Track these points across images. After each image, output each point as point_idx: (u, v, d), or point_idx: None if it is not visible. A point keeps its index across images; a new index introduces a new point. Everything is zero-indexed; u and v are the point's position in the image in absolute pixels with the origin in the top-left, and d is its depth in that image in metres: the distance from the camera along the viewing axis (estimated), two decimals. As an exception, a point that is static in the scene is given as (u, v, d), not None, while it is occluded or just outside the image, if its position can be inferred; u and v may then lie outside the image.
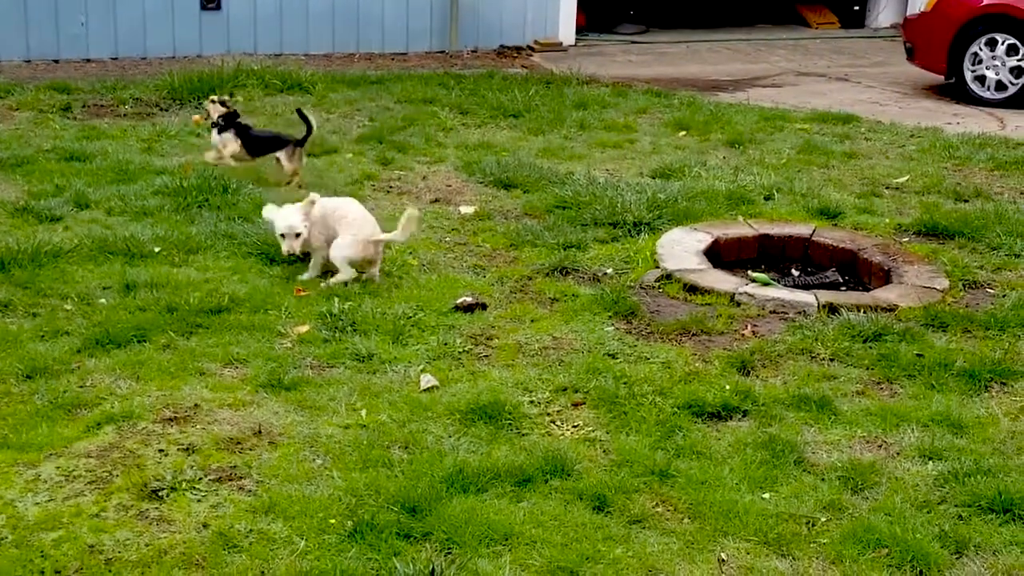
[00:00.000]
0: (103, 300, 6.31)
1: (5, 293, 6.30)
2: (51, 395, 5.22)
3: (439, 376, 5.63)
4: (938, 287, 6.91)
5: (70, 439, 4.85)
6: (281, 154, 8.70)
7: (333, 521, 4.27)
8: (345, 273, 6.75)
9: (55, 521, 4.25)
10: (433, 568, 3.90)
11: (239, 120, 8.86)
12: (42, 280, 6.50)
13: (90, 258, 6.90)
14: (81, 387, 5.34)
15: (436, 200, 8.63)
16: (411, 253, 7.39)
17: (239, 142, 8.76)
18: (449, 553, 4.12)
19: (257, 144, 8.83)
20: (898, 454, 4.95)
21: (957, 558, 4.19)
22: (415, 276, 6.99)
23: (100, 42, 13.22)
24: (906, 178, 9.32)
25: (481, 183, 9.05)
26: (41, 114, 10.56)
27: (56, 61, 13.02)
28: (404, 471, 4.66)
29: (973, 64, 12.71)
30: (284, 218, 6.74)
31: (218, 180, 8.43)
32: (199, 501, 4.43)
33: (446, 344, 6.02)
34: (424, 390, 5.49)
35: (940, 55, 12.92)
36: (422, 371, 5.68)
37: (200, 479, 4.57)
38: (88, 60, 13.15)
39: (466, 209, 8.39)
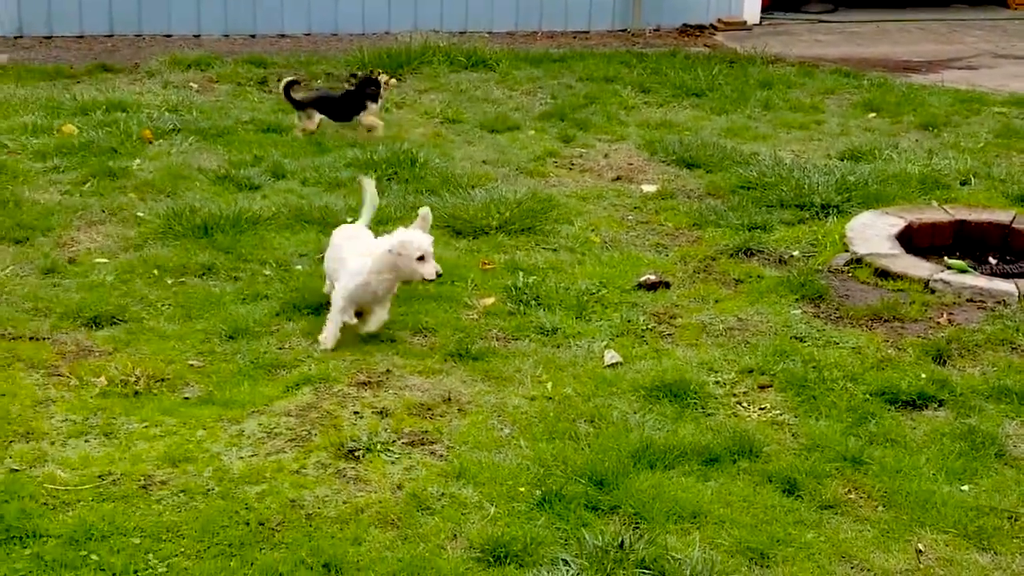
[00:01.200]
0: (299, 266, 6.53)
1: (209, 257, 6.57)
2: (252, 355, 5.44)
3: (622, 353, 5.63)
4: None
5: (271, 398, 5.05)
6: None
7: (522, 489, 4.33)
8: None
9: (258, 475, 4.43)
10: (623, 541, 3.91)
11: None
12: (243, 245, 6.76)
13: (287, 226, 7.14)
14: (280, 349, 5.55)
15: (618, 178, 8.61)
16: (593, 230, 7.40)
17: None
18: (637, 527, 4.13)
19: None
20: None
21: None
22: (597, 253, 6.99)
23: (294, 18, 13.59)
24: (1112, 166, 8.85)
25: (663, 162, 8.99)
26: (239, 87, 10.93)
27: (253, 36, 13.45)
28: (590, 444, 4.69)
29: None
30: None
31: (407, 153, 8.60)
32: (393, 463, 4.55)
33: (629, 321, 6.01)
34: (608, 366, 5.51)
35: None
36: (606, 347, 5.69)
37: (394, 442, 4.70)
38: (282, 35, 13.53)
39: (648, 187, 8.35)
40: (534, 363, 5.50)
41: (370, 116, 9.17)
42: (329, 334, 5.60)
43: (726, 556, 3.97)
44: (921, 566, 3.95)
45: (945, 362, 5.59)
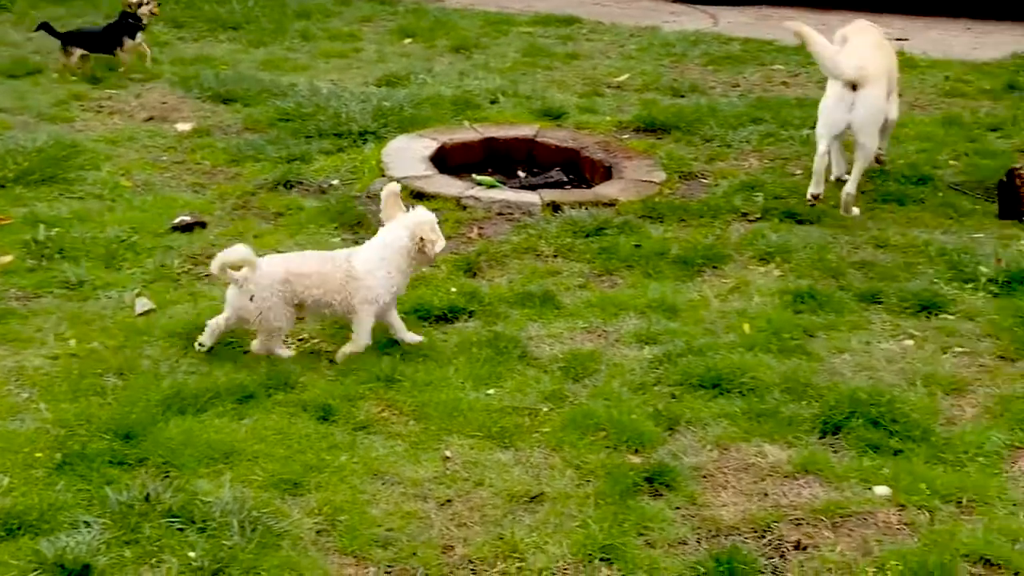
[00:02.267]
0: None
1: None
2: None
3: (156, 299, 5.42)
4: (656, 180, 7.14)
5: None
6: None
7: (40, 455, 4.05)
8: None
9: None
10: (148, 493, 3.75)
11: None
12: None
13: None
14: None
15: (151, 118, 8.25)
16: (124, 175, 7.04)
17: None
18: (167, 476, 3.98)
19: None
20: (617, 341, 5.10)
21: (670, 434, 4.36)
22: (129, 198, 6.67)
23: None
24: (626, 76, 9.53)
25: (199, 99, 8.70)
26: None
27: None
28: (118, 398, 4.46)
29: (687, -36, 13.07)
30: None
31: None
32: None
33: (163, 266, 5.79)
34: (140, 314, 5.27)
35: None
36: (137, 295, 5.44)
37: None
38: None
39: (183, 126, 8.06)
40: (58, 320, 5.17)
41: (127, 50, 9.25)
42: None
43: (259, 491, 3.91)
44: (448, 471, 4.08)
45: (476, 274, 5.80)
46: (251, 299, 4.78)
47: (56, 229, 6.05)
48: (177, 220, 6.31)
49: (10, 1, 11.25)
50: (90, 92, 8.80)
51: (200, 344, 4.88)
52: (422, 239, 4.85)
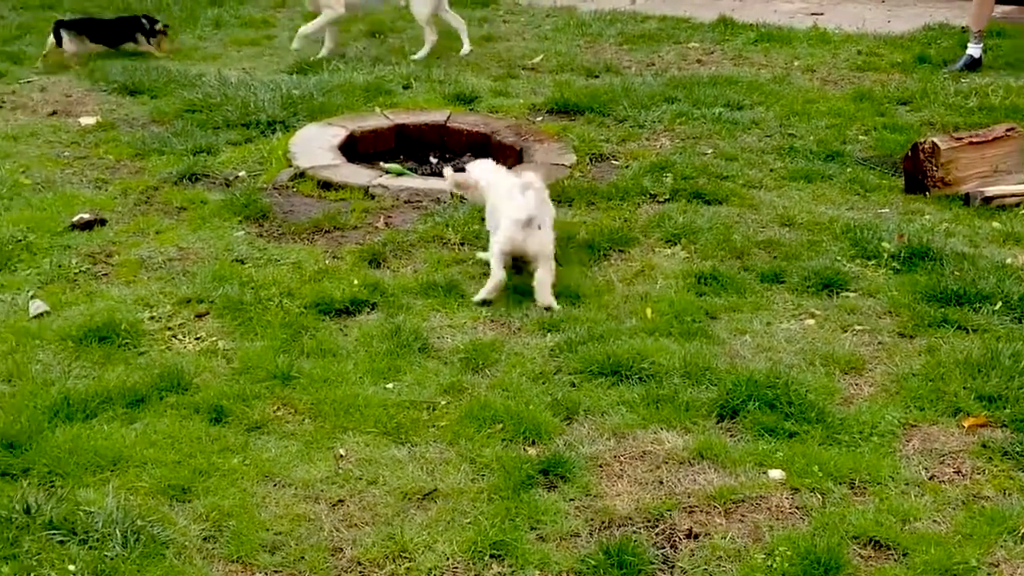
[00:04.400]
0: None
1: None
2: None
3: (51, 300, 5.29)
4: (566, 163, 7.11)
5: None
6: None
7: (-85, 470, 3.93)
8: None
9: None
10: (28, 505, 3.66)
11: None
12: None
13: None
14: None
15: (54, 112, 8.08)
16: (24, 172, 6.88)
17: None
18: (52, 486, 3.89)
19: None
20: (519, 330, 5.06)
21: (568, 424, 4.33)
22: (28, 196, 6.52)
23: None
24: (540, 57, 9.49)
25: (105, 91, 8.54)
26: None
27: None
28: (3, 406, 4.34)
29: (605, -57, 13.02)
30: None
31: None
32: None
33: (60, 266, 5.66)
34: (33, 317, 5.14)
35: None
36: (31, 297, 5.31)
37: None
38: None
39: (87, 120, 7.89)
40: (-54, 325, 5.02)
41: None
42: None
43: (146, 499, 3.83)
44: (341, 470, 4.02)
45: (380, 265, 5.73)
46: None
47: (-53, 232, 5.90)
48: (76, 218, 6.17)
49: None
50: (-8, 87, 8.61)
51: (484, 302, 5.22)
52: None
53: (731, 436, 4.26)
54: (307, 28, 9.15)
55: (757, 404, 4.37)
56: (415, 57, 9.37)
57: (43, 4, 11.02)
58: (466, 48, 9.48)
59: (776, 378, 4.50)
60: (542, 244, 5.24)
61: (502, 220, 5.27)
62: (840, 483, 3.95)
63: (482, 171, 5.72)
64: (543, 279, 5.24)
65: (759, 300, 5.32)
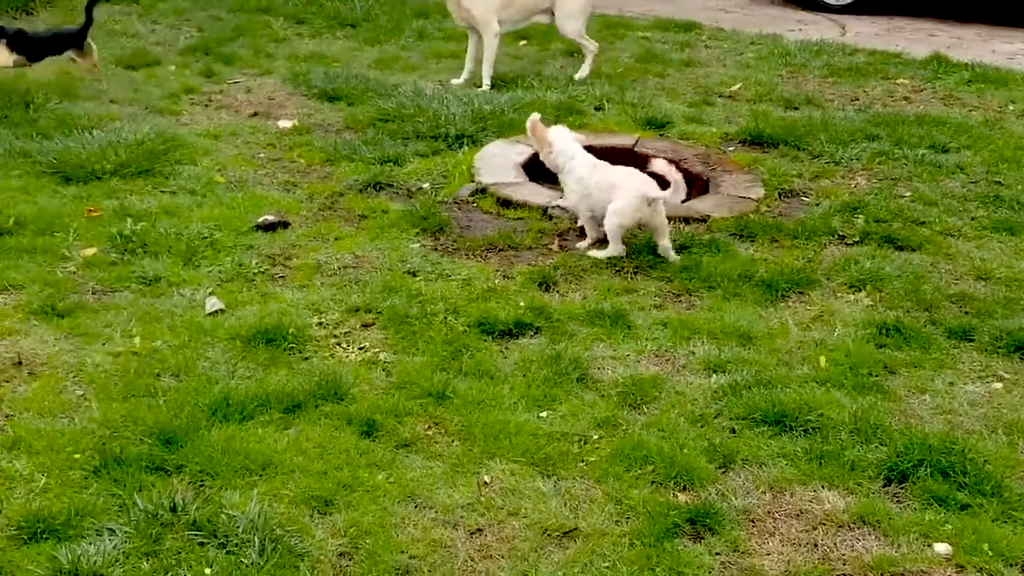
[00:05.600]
0: None
1: None
2: None
3: (228, 299, 5.41)
4: (753, 196, 6.88)
5: None
6: (71, 52, 8.34)
7: (79, 456, 4.05)
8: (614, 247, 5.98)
9: None
10: (174, 503, 3.72)
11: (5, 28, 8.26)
12: None
13: None
14: None
15: (255, 114, 8.31)
16: (220, 170, 7.10)
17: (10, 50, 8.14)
18: (202, 486, 3.95)
19: (36, 47, 8.29)
20: (683, 367, 4.90)
21: (723, 472, 4.15)
22: (220, 194, 6.71)
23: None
24: (739, 86, 9.26)
25: (305, 96, 8.75)
26: None
27: None
28: (167, 400, 4.45)
29: (816, -30, 12.69)
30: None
31: (22, 95, 7.99)
32: (-62, 439, 4.18)
33: (241, 265, 5.79)
34: (209, 314, 5.27)
35: (787, -39, 12.88)
36: (209, 294, 5.45)
37: (-56, 415, 4.32)
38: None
39: (284, 123, 8.09)
40: (128, 316, 5.20)
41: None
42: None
43: (289, 507, 3.84)
44: (483, 498, 3.95)
45: (549, 288, 5.65)
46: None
47: (142, 223, 6.11)
48: (261, 219, 6.31)
49: (138, -7, 11.50)
50: (203, 86, 8.94)
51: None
52: None
53: (897, 502, 4.00)
54: (485, 65, 9.09)
55: (929, 470, 4.10)
56: (577, 76, 9.24)
57: (259, 7, 11.39)
58: (584, 73, 9.26)
59: (953, 443, 4.21)
60: (662, 217, 5.94)
61: (624, 194, 5.83)
62: (1012, 565, 3.66)
63: (560, 136, 6.21)
64: (666, 244, 5.93)
65: (943, 358, 5.00)
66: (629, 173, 6.02)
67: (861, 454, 4.23)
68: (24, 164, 6.91)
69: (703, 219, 6.51)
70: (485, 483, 4.05)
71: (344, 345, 5.05)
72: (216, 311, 5.30)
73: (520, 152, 7.42)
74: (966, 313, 5.40)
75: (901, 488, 4.07)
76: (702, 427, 4.42)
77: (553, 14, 9.22)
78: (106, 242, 5.94)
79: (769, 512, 3.94)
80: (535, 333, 5.18)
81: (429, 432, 4.35)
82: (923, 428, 4.38)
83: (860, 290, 5.67)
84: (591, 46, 9.31)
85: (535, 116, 6.22)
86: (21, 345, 4.89)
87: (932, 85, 9.43)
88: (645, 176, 5.94)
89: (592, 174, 6.06)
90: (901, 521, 3.87)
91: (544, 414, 4.49)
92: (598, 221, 6.06)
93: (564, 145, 6.20)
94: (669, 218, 6.41)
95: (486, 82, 9.04)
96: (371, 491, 3.96)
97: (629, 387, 4.69)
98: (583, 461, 4.19)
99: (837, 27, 11.82)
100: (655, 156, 6.42)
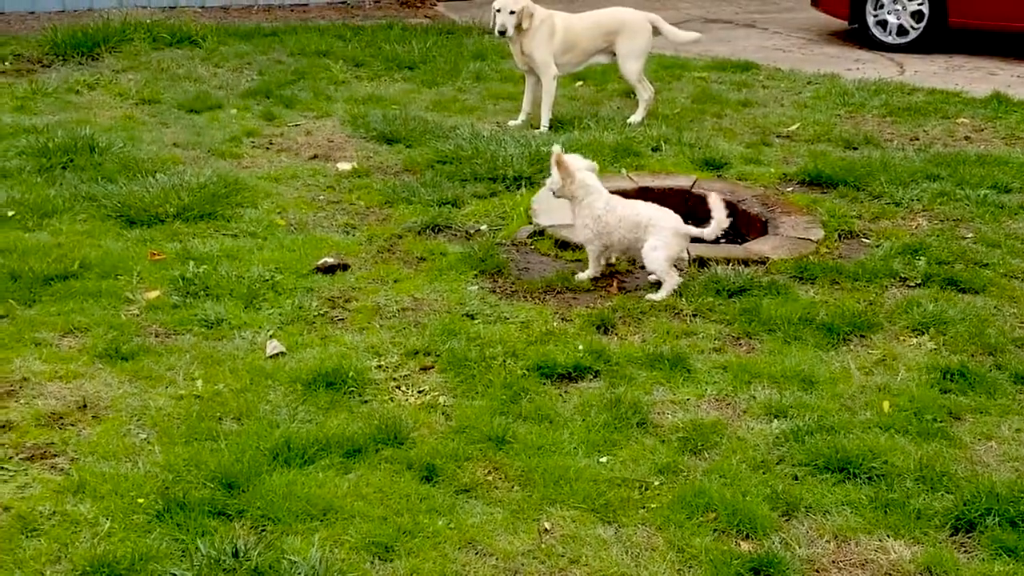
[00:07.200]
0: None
1: None
2: None
3: (288, 341, 5.45)
4: (813, 238, 6.83)
5: None
6: None
7: (142, 501, 4.09)
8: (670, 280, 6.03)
9: None
10: (236, 548, 3.74)
11: None
12: None
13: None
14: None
15: (315, 156, 8.41)
16: (280, 213, 7.18)
17: None
18: (263, 531, 3.97)
19: None
20: (744, 412, 4.86)
21: (786, 520, 4.10)
22: (280, 237, 6.78)
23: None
24: (797, 126, 9.22)
25: (364, 138, 8.84)
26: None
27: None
28: (229, 444, 4.48)
29: (875, 8, 12.62)
30: None
31: (86, 139, 8.15)
32: (5, 482, 4.23)
33: (301, 308, 5.83)
34: (269, 357, 5.32)
35: (843, 0, 12.83)
36: (270, 336, 5.50)
37: (10, 458, 4.37)
38: (-28, 15, 12.73)
39: (344, 166, 8.18)
40: (190, 359, 5.25)
41: None
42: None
43: (350, 553, 3.85)
44: (543, 545, 3.93)
45: (608, 331, 5.64)
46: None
47: (204, 266, 6.19)
48: (321, 262, 6.37)
49: (202, 38, 11.70)
50: (263, 128, 9.06)
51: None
52: None
53: (965, 552, 3.93)
54: (544, 107, 9.13)
55: (997, 519, 4.02)
56: (631, 120, 9.22)
57: (318, 51, 11.55)
58: (637, 119, 9.23)
59: (1021, 492, 4.13)
60: (685, 253, 6.23)
61: (660, 231, 5.99)
62: (1086, 620, 3.57)
63: (581, 168, 6.25)
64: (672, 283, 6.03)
65: (1010, 403, 4.92)
66: (656, 209, 6.15)
67: (927, 502, 4.16)
68: (89, 208, 7.04)
69: (762, 261, 6.47)
70: (546, 530, 4.03)
71: (403, 388, 5.07)
72: (277, 354, 5.35)
73: (577, 194, 7.42)
74: (1033, 358, 5.31)
75: (968, 538, 3.99)
76: (764, 474, 4.37)
77: (613, 54, 9.26)
78: (169, 285, 6.02)
79: (834, 562, 3.88)
80: (594, 377, 5.17)
81: (489, 477, 4.35)
82: (990, 476, 4.31)
83: (923, 333, 5.59)
84: (646, 94, 9.31)
85: (557, 148, 6.27)
86: (86, 388, 4.96)
87: (993, 124, 9.33)
88: (671, 211, 6.18)
89: (611, 211, 6.12)
90: (969, 572, 3.80)
91: (604, 459, 4.47)
92: (608, 257, 6.31)
93: (587, 178, 6.23)
94: (728, 260, 6.41)
95: (544, 124, 9.08)
96: (431, 537, 3.95)
97: (689, 432, 4.65)
98: (644, 508, 4.16)
99: (895, 66, 11.74)
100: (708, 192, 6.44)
